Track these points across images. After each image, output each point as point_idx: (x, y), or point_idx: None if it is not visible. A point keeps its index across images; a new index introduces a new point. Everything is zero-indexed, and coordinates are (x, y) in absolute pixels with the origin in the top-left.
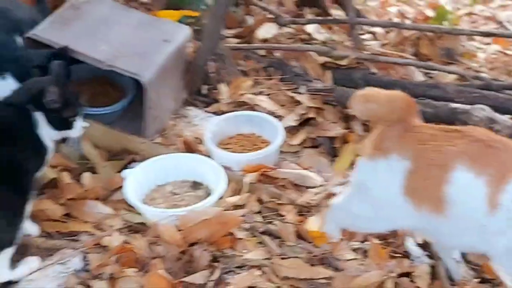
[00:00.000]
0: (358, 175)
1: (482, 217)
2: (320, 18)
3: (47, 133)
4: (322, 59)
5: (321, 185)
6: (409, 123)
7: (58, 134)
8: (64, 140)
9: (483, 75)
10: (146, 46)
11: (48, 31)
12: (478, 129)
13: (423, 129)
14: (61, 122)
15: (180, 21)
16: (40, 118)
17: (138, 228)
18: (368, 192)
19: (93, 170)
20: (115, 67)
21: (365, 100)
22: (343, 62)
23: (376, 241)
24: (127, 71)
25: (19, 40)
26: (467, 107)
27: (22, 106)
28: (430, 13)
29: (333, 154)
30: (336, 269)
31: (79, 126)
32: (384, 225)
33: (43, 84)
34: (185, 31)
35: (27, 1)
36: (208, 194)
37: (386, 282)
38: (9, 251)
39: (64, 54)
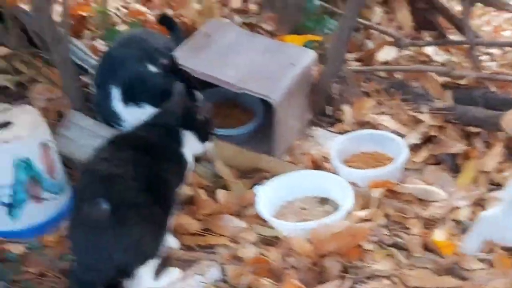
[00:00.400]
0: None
1: None
2: (439, 40)
3: (190, 150)
4: (442, 79)
5: (444, 199)
6: None
7: (199, 149)
8: (197, 160)
9: None
10: (273, 69)
11: (183, 57)
12: None
13: None
14: (205, 135)
15: (304, 46)
16: (185, 136)
17: (270, 241)
18: None
19: (225, 188)
20: (246, 89)
21: None
22: (463, 82)
23: (501, 251)
24: (257, 93)
25: (152, 68)
26: None
27: (171, 126)
28: None
29: (455, 170)
30: (463, 278)
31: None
32: None
33: (189, 104)
34: (310, 55)
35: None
36: (335, 209)
37: None
38: (154, 262)
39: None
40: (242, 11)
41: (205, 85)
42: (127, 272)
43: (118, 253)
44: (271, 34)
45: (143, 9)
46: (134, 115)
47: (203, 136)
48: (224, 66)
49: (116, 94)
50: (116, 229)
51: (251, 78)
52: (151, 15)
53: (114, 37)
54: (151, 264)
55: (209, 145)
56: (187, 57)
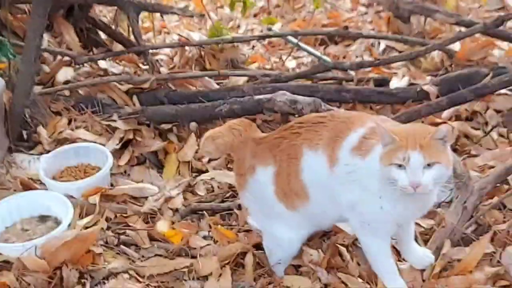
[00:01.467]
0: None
1: (327, 180)
2: (114, 52)
3: None
4: (125, 87)
5: (157, 193)
6: (256, 138)
7: None
8: None
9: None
10: None
11: None
12: (305, 116)
13: (268, 137)
14: None
15: None
16: None
17: (2, 267)
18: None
19: None
20: None
21: (212, 139)
22: (146, 85)
23: (219, 226)
24: None
25: None
26: (270, 95)
27: None
28: None
29: (159, 166)
30: (194, 256)
31: None
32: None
33: None
34: (0, 82)
35: None
36: (57, 223)
37: None
38: None
39: None
40: None
41: None
42: None
43: None
44: None
45: None
46: None
47: None
48: None
49: None
50: None
51: None
52: None
53: None
54: None
55: None
56: None
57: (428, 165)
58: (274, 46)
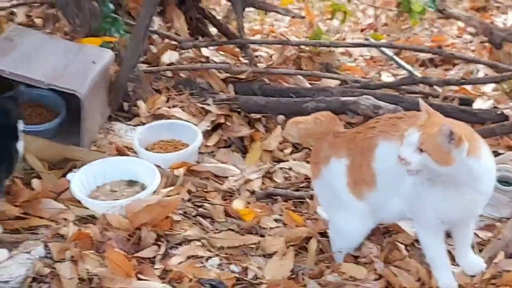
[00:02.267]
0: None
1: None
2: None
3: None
4: (223, 75)
5: (238, 174)
6: (336, 132)
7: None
8: None
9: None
10: (77, 67)
11: None
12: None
13: (347, 132)
14: None
15: (101, 46)
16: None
17: (88, 220)
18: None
19: (39, 178)
20: (55, 86)
21: (296, 123)
22: (242, 76)
23: (290, 211)
24: (65, 88)
25: None
26: (355, 98)
27: (11, 123)
28: None
29: (243, 151)
30: (262, 235)
31: None
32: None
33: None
34: (109, 54)
35: None
36: (143, 189)
37: None
38: None
39: None
40: (27, 25)
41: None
42: None
43: None
44: (72, 37)
45: None
46: None
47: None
48: (31, 66)
49: None
50: None
51: (58, 76)
52: None
53: None
54: None
55: None
56: None
57: (421, 150)
58: (376, 62)
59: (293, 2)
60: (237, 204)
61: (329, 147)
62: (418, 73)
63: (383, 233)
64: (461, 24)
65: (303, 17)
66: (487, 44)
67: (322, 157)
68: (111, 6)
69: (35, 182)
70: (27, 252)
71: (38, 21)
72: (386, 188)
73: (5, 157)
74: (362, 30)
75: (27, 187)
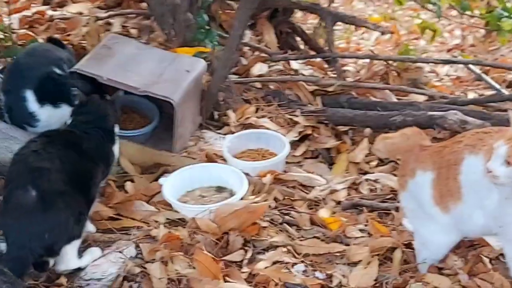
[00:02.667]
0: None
1: (481, 182)
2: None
3: (118, 145)
4: (311, 87)
5: (324, 184)
6: (422, 145)
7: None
8: None
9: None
10: (171, 75)
11: (88, 66)
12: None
13: (433, 146)
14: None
15: (195, 56)
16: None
17: (178, 223)
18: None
19: (132, 181)
20: (149, 92)
21: (384, 138)
22: (330, 89)
23: (375, 222)
24: (159, 95)
25: (58, 70)
26: (442, 113)
27: (109, 127)
28: None
29: (330, 162)
30: (347, 244)
31: None
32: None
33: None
34: (202, 63)
35: None
36: (232, 195)
37: None
38: (77, 243)
39: None
40: (123, 35)
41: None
42: (54, 250)
43: (46, 233)
44: (167, 47)
45: (30, 33)
46: (50, 115)
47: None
48: (127, 73)
49: (30, 96)
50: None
51: (153, 83)
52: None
53: (13, 54)
54: (75, 244)
55: None
56: (92, 66)
57: (508, 163)
58: (462, 82)
59: (381, 20)
60: (323, 213)
61: (415, 160)
62: (505, 91)
63: (468, 246)
64: None
65: (392, 33)
66: None
67: (409, 170)
68: (206, 17)
69: (128, 185)
70: (119, 252)
71: (133, 31)
72: (471, 201)
73: (103, 159)
74: (448, 51)
75: (120, 190)
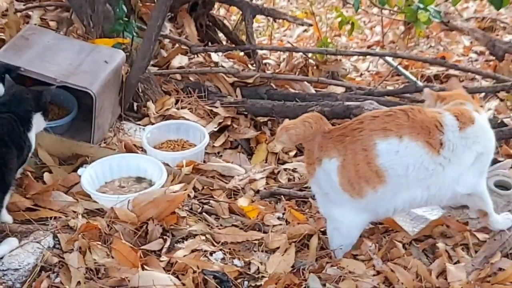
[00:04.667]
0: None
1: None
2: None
3: (35, 132)
4: (231, 79)
5: (243, 174)
6: (325, 132)
7: (42, 127)
8: None
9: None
10: (90, 66)
11: (5, 56)
12: (368, 112)
13: (334, 133)
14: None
15: (114, 47)
16: (34, 119)
17: (96, 213)
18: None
19: (50, 172)
20: (67, 83)
21: (286, 129)
22: (250, 81)
23: (293, 210)
24: (77, 85)
25: None
26: (358, 103)
27: (24, 112)
28: None
29: (249, 152)
30: (265, 232)
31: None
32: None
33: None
34: (121, 54)
35: None
36: (151, 186)
37: None
38: None
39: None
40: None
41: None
42: None
43: None
44: (85, 38)
45: None
46: None
47: (47, 114)
48: (45, 64)
49: None
50: None
51: (71, 74)
52: None
53: None
54: None
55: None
56: (10, 56)
57: None
58: (381, 76)
59: (303, 17)
60: (242, 202)
61: (320, 149)
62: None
63: (382, 232)
64: (467, 43)
65: (310, 25)
66: (491, 63)
67: (315, 158)
68: (125, 8)
69: (46, 176)
70: (37, 242)
71: (52, 23)
72: (394, 182)
73: (15, 144)
74: (369, 47)
75: (38, 181)
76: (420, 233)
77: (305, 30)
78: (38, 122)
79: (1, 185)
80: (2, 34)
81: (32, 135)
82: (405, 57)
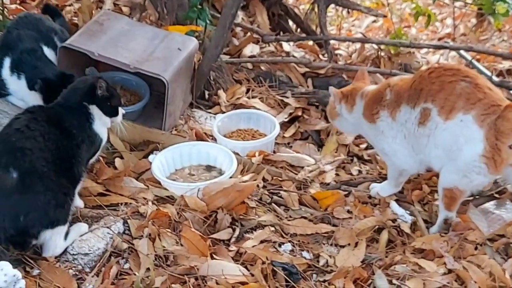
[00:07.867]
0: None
1: None
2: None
3: (101, 125)
4: (303, 70)
5: (313, 165)
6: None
7: (107, 124)
8: None
9: None
10: (163, 53)
11: (79, 41)
12: None
13: None
14: (109, 110)
15: (187, 35)
16: (94, 111)
17: (166, 200)
18: None
19: (121, 158)
20: (140, 69)
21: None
22: (321, 72)
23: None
24: (150, 72)
25: (46, 50)
26: None
27: (78, 103)
28: None
29: (319, 144)
30: (335, 225)
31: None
32: None
33: (91, 80)
34: (194, 42)
35: None
36: (221, 174)
37: None
38: (62, 229)
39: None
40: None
41: None
42: (30, 233)
43: (21, 216)
44: (159, 25)
45: (22, 8)
46: (17, 84)
47: (107, 110)
48: (119, 49)
49: (7, 63)
50: (21, 195)
51: (144, 60)
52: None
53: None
54: (59, 231)
55: (118, 119)
56: (83, 41)
57: None
58: None
59: (374, 7)
60: (314, 192)
61: None
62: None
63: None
64: None
65: (384, 16)
66: None
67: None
68: None
69: (117, 162)
70: (107, 227)
71: (125, 9)
72: None
73: (84, 137)
74: (439, 39)
75: (110, 166)
76: (494, 232)
77: (374, 21)
78: (100, 114)
79: (70, 177)
80: (75, 18)
81: (97, 127)
82: (480, 51)
